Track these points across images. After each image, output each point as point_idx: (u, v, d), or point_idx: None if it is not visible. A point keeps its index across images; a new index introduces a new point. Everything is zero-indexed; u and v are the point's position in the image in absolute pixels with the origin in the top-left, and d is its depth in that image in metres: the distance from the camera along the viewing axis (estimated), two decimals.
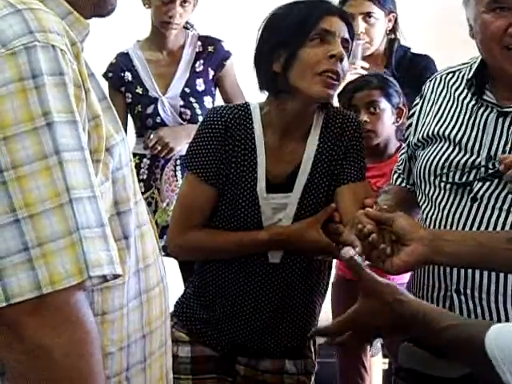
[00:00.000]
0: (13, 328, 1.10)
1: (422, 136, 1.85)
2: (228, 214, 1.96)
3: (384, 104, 2.65)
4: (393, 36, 2.92)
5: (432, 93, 1.91)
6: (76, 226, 1.11)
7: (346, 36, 1.83)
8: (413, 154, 1.88)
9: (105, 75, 2.93)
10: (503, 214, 1.70)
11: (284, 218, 1.92)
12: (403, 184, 1.96)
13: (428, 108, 1.89)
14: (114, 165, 1.27)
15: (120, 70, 2.91)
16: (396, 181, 2.00)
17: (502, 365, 1.18)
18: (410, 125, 1.91)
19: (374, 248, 1.61)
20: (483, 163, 1.72)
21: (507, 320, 1.72)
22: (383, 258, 1.62)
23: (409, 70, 2.93)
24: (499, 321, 1.72)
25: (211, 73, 2.93)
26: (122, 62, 2.94)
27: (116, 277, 1.15)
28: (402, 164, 1.97)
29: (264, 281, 1.97)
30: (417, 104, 1.92)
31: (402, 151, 1.97)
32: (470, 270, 1.73)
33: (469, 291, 1.75)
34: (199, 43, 2.94)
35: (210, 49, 2.94)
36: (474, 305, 1.75)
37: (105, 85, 2.85)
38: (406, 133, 1.94)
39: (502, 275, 1.72)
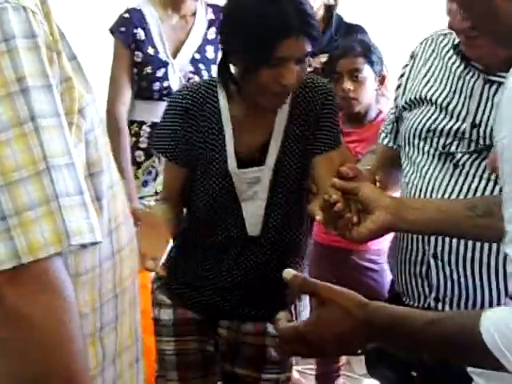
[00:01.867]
0: None
1: (410, 98, 1.89)
2: (202, 191, 2.02)
3: (367, 71, 2.76)
4: (331, 1, 3.00)
5: (423, 54, 1.94)
6: (55, 194, 1.11)
7: (305, 53, 1.87)
8: (400, 116, 1.93)
9: (115, 29, 2.92)
10: (483, 182, 1.75)
11: (259, 190, 1.98)
12: (390, 144, 2.02)
13: (417, 70, 1.94)
14: (87, 126, 1.26)
15: (133, 27, 2.90)
16: (383, 140, 2.05)
17: (506, 352, 1.20)
18: (399, 86, 1.95)
19: (341, 217, 1.66)
20: (468, 130, 1.77)
21: (482, 286, 1.79)
22: (350, 227, 1.67)
23: (345, 35, 3.04)
24: (475, 287, 1.80)
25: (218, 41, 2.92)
26: (136, 17, 2.93)
27: (94, 244, 1.18)
28: (389, 124, 2.02)
29: (243, 252, 2.04)
30: (407, 65, 1.96)
31: (391, 111, 2.02)
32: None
33: (446, 256, 1.80)
34: (210, 10, 3.00)
35: (219, 14, 2.95)
36: (451, 270, 1.80)
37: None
38: (396, 93, 1.98)
39: (478, 243, 1.78)
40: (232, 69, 1.95)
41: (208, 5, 3.07)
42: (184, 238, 2.18)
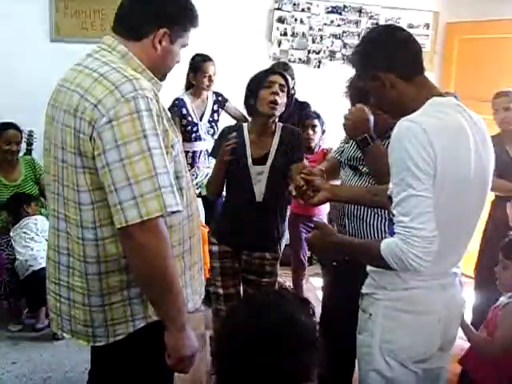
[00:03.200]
0: (129, 236, 1.73)
1: (346, 140, 2.88)
2: (234, 177, 3.13)
3: (318, 126, 4.53)
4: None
5: None
6: (159, 186, 1.71)
7: (282, 82, 3.09)
8: (343, 146, 2.92)
9: (171, 108, 4.72)
10: (373, 182, 2.61)
11: (262, 178, 3.11)
12: (337, 156, 2.97)
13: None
14: (175, 153, 1.87)
15: (180, 107, 4.82)
16: (334, 154, 3.03)
17: (390, 258, 1.83)
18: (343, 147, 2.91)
19: (304, 192, 2.48)
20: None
21: (371, 231, 2.66)
22: (308, 197, 2.49)
23: (302, 108, 4.85)
24: (370, 235, 2.66)
25: (220, 110, 4.85)
26: (180, 102, 4.77)
27: (178, 211, 1.78)
28: (337, 151, 2.99)
29: (253, 210, 3.13)
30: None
31: (341, 145, 2.97)
32: (353, 206, 2.69)
33: (352, 218, 2.72)
34: (214, 94, 4.83)
35: (219, 98, 4.87)
36: (357, 225, 2.69)
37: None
38: (344, 143, 2.94)
39: (367, 211, 2.65)
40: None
41: (213, 92, 4.95)
42: (223, 204, 3.38)
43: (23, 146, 4.81)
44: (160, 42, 1.92)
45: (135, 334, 1.93)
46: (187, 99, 4.89)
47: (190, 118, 4.88)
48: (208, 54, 4.86)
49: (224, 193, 3.38)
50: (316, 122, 4.64)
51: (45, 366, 3.84)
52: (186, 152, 4.81)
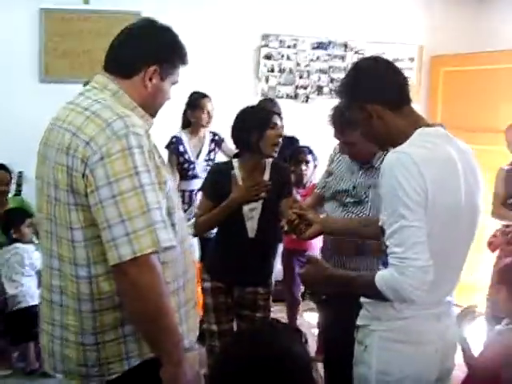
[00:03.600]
0: (122, 273, 1.74)
1: (330, 174, 2.96)
2: None
3: (311, 162, 4.57)
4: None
5: (335, 156, 2.98)
6: (153, 222, 1.73)
7: (279, 122, 3.19)
8: (326, 181, 3.00)
9: (168, 146, 4.83)
10: (358, 216, 2.69)
11: (255, 215, 3.16)
12: (321, 192, 3.05)
13: (334, 165, 2.97)
14: (167, 190, 1.88)
15: (178, 144, 4.90)
16: (318, 190, 3.12)
17: (385, 290, 1.84)
18: (328, 172, 3.01)
19: (296, 226, 2.56)
20: (350, 189, 2.77)
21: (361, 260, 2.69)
22: (300, 232, 2.57)
23: (292, 143, 4.90)
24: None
25: (216, 149, 4.89)
26: (178, 140, 4.86)
27: (172, 247, 1.80)
28: (320, 186, 3.09)
29: (245, 245, 3.16)
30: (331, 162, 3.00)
31: (323, 180, 3.05)
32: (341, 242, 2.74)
33: (342, 252, 2.78)
34: (211, 133, 4.89)
35: (216, 137, 4.92)
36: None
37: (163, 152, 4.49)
38: (325, 173, 3.06)
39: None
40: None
41: (210, 131, 5.01)
42: (214, 240, 3.36)
43: (13, 187, 4.83)
44: (150, 80, 1.94)
45: (130, 372, 1.90)
46: (184, 137, 4.95)
47: (186, 156, 4.93)
48: (205, 92, 4.94)
49: (215, 229, 3.39)
50: (309, 157, 4.69)
51: None
52: (183, 191, 4.87)
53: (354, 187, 2.80)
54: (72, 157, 1.78)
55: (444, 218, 1.89)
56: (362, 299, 2.10)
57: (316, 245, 4.37)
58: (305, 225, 2.52)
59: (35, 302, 4.00)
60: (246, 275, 3.22)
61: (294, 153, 4.67)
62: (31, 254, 4.35)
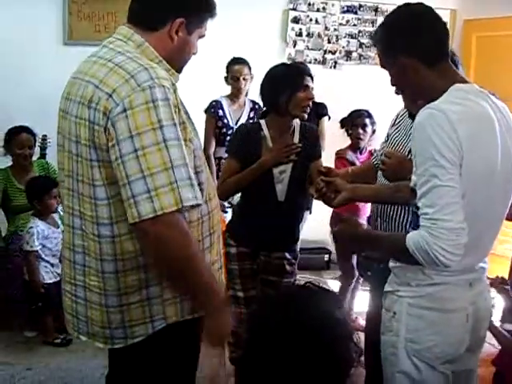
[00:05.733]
0: (143, 233, 1.69)
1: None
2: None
3: (369, 126, 4.36)
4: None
5: (396, 119, 2.82)
6: (175, 179, 1.64)
7: (313, 86, 3.07)
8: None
9: (207, 109, 4.86)
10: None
11: (285, 177, 3.07)
12: (374, 162, 2.90)
13: (392, 130, 2.80)
14: (193, 148, 1.82)
15: (217, 108, 4.88)
16: (373, 159, 2.97)
17: (416, 252, 1.76)
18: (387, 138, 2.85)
19: (325, 194, 2.50)
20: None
21: (399, 224, 2.59)
22: (329, 199, 2.50)
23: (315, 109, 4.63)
24: (401, 231, 2.52)
25: (255, 118, 4.82)
26: (218, 104, 4.87)
27: (198, 205, 1.75)
28: (375, 156, 2.93)
29: (274, 210, 3.07)
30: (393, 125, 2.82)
31: (381, 148, 2.91)
32: (385, 206, 2.66)
33: (384, 217, 2.71)
34: (250, 101, 4.97)
35: (256, 106, 4.85)
36: (390, 225, 2.65)
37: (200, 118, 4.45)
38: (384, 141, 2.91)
39: (399, 209, 2.59)
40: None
41: (250, 100, 4.97)
42: (240, 204, 3.29)
43: (37, 150, 4.79)
44: (177, 33, 1.87)
45: (154, 336, 1.87)
46: (224, 102, 4.94)
47: (225, 121, 4.91)
48: (242, 57, 4.87)
49: (238, 194, 3.33)
50: (367, 121, 4.46)
51: (60, 372, 3.79)
52: (219, 158, 4.86)
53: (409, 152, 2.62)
54: (94, 110, 1.71)
55: (479, 177, 1.81)
56: (391, 263, 2.03)
57: (366, 210, 4.20)
58: (333, 192, 2.46)
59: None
60: (273, 240, 3.17)
61: (351, 116, 4.48)
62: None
